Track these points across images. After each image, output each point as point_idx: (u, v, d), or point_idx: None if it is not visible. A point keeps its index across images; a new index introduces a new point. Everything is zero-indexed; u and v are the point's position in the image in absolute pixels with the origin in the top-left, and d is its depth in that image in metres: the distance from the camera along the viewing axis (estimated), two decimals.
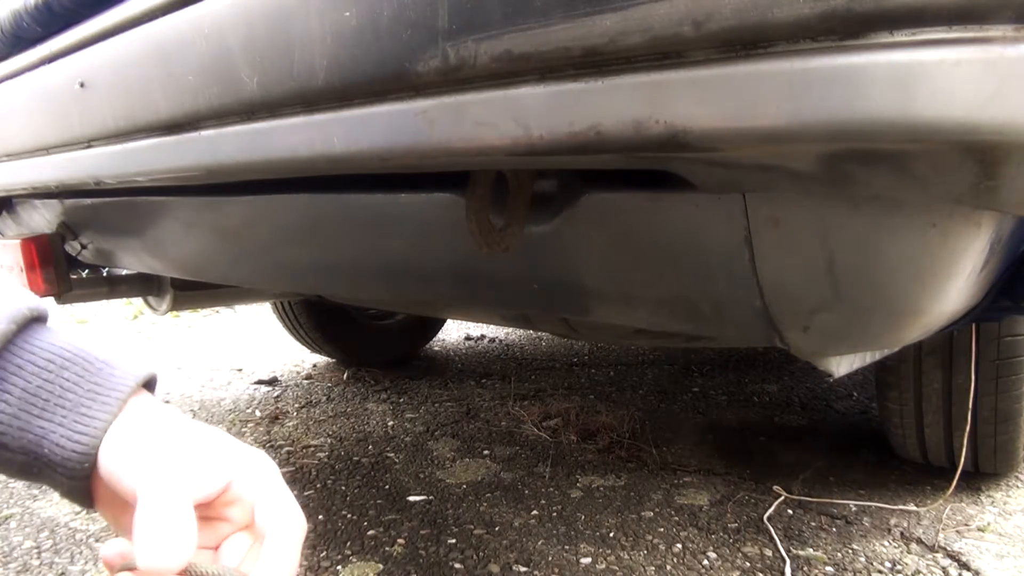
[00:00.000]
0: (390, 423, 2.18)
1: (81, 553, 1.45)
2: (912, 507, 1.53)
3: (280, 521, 0.43)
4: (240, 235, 1.10)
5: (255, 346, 3.30)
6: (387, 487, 1.72)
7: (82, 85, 0.82)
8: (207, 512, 0.43)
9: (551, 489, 1.67)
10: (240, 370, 2.87)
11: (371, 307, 2.60)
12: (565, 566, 1.34)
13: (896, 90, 0.35)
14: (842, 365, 0.86)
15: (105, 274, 1.71)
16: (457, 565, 1.36)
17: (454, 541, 1.45)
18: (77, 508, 1.66)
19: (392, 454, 1.92)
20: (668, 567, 1.33)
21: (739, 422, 2.09)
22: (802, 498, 1.58)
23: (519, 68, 0.44)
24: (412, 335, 2.97)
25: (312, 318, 2.58)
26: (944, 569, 1.31)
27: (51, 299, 1.46)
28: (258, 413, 2.31)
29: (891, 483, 1.65)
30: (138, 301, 1.89)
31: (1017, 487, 1.63)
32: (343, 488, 1.72)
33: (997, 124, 0.35)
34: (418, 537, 1.47)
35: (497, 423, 2.14)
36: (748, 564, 1.33)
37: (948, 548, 1.38)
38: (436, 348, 3.17)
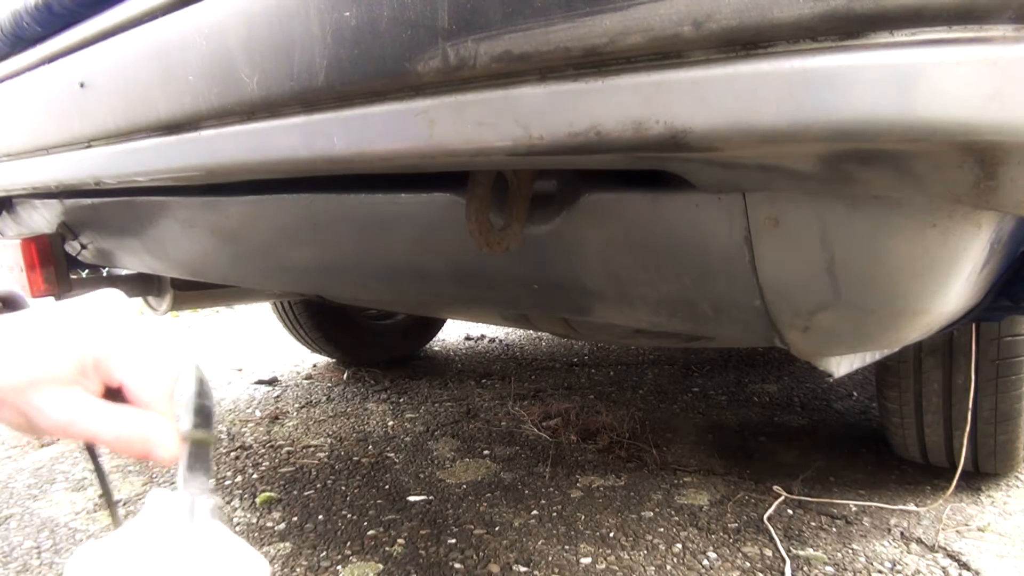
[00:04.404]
0: (390, 423, 2.18)
1: None
2: (912, 507, 1.53)
3: (138, 371, 0.43)
4: (240, 235, 1.10)
5: (255, 346, 3.30)
6: (387, 487, 1.72)
7: (82, 85, 0.82)
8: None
9: (551, 489, 1.67)
10: (240, 370, 2.87)
11: (371, 307, 2.60)
12: (565, 566, 1.34)
13: (896, 90, 0.35)
14: (842, 365, 0.86)
15: (105, 274, 1.71)
16: (457, 565, 1.36)
17: (454, 541, 1.45)
18: (77, 508, 1.66)
19: (392, 454, 1.92)
20: (668, 567, 1.33)
21: (739, 422, 2.09)
22: (802, 498, 1.58)
23: (519, 68, 0.44)
24: (412, 335, 2.97)
25: (312, 318, 2.58)
26: (944, 569, 1.31)
27: (51, 299, 1.46)
28: (258, 413, 2.31)
29: (891, 483, 1.65)
30: (138, 301, 1.89)
31: (1017, 487, 1.63)
32: (343, 488, 1.72)
33: (997, 124, 0.35)
34: (418, 537, 1.47)
35: (497, 423, 2.14)
36: (748, 564, 1.33)
37: (948, 548, 1.38)
38: (436, 348, 3.17)
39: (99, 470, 0.49)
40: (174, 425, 0.44)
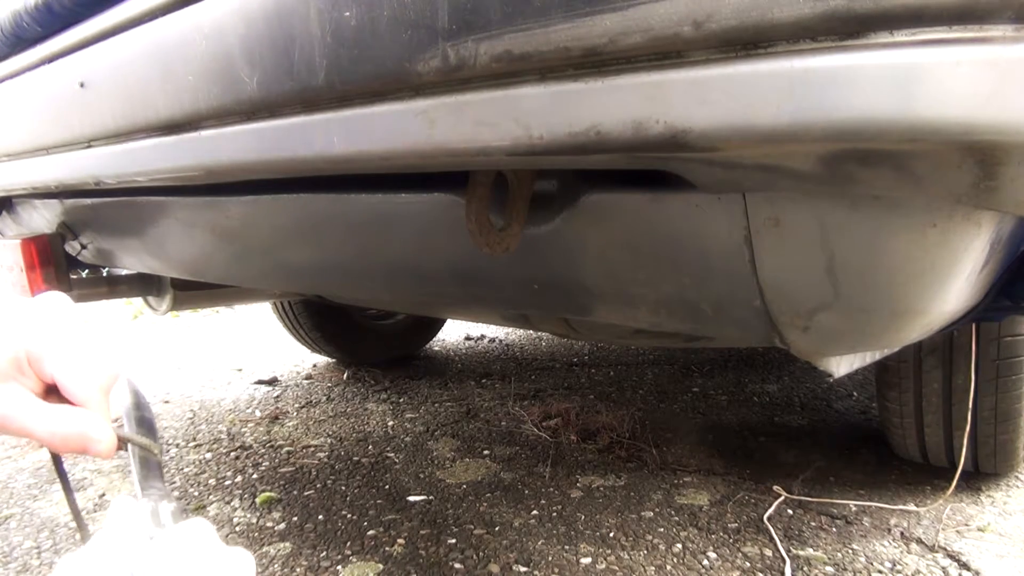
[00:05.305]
0: (390, 423, 2.18)
1: None
2: (912, 507, 1.53)
3: (70, 370, 0.43)
4: (240, 235, 1.10)
5: (255, 346, 3.30)
6: (387, 487, 1.72)
7: (82, 85, 0.82)
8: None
9: (551, 489, 1.67)
10: (240, 370, 2.87)
11: (371, 307, 2.60)
12: (565, 566, 1.34)
13: (896, 90, 0.35)
14: (842, 365, 0.86)
15: (105, 274, 1.71)
16: (457, 565, 1.36)
17: (454, 541, 1.45)
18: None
19: (392, 454, 1.92)
20: (668, 567, 1.33)
21: (739, 422, 2.09)
22: (802, 498, 1.58)
23: (519, 68, 0.44)
24: (412, 335, 2.97)
25: (312, 318, 2.58)
26: (944, 569, 1.31)
27: None
28: (258, 413, 2.31)
29: (891, 483, 1.65)
30: (138, 301, 1.89)
31: (1017, 487, 1.63)
32: (343, 488, 1.72)
33: (997, 124, 0.35)
34: (418, 537, 1.47)
35: (497, 423, 2.14)
36: (748, 564, 1.33)
37: (948, 548, 1.38)
38: (436, 348, 3.17)
39: (64, 479, 0.48)
40: (108, 420, 0.44)
